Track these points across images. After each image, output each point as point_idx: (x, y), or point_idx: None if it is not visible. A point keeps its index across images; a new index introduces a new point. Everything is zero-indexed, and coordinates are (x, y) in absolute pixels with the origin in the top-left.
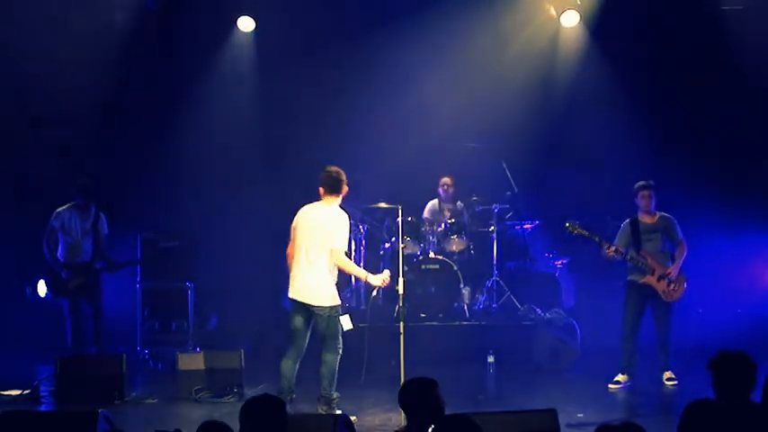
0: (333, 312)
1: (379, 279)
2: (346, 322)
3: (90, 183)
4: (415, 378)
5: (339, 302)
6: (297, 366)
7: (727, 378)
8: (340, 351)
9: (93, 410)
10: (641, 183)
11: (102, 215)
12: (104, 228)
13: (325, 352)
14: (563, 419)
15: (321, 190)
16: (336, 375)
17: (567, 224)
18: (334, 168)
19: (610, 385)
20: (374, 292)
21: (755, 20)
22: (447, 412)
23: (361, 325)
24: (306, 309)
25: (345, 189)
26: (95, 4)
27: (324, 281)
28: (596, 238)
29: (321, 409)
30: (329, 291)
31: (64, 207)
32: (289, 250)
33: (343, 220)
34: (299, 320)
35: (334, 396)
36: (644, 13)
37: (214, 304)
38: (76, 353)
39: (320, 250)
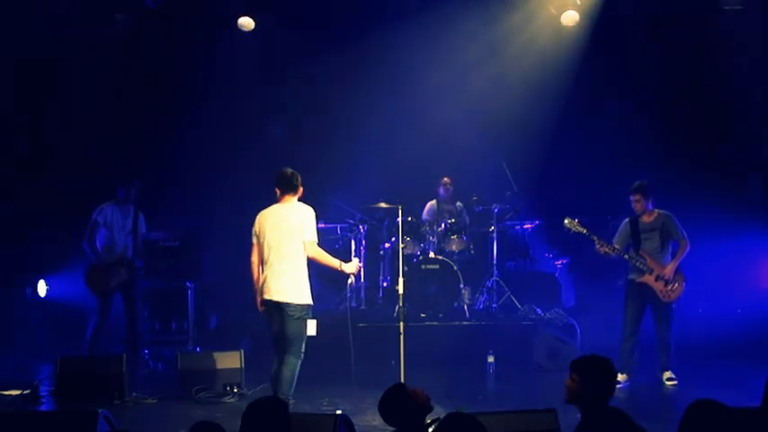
0: (303, 314)
1: (353, 267)
2: (311, 328)
3: (136, 175)
4: (384, 394)
5: (311, 303)
6: None
7: (588, 382)
8: (302, 356)
9: (93, 410)
10: (631, 187)
11: (141, 214)
12: (143, 227)
13: (289, 355)
14: (563, 419)
15: (278, 191)
16: (296, 381)
17: (567, 221)
18: (289, 170)
19: None
20: (350, 280)
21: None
22: (446, 412)
23: (360, 325)
24: (279, 309)
25: (301, 190)
26: (95, 3)
27: (298, 277)
28: (592, 237)
29: None
30: (303, 288)
31: (106, 203)
32: (253, 258)
33: (310, 212)
34: (277, 322)
35: (291, 402)
36: (643, 12)
37: (214, 304)
38: (85, 352)
39: (293, 245)
